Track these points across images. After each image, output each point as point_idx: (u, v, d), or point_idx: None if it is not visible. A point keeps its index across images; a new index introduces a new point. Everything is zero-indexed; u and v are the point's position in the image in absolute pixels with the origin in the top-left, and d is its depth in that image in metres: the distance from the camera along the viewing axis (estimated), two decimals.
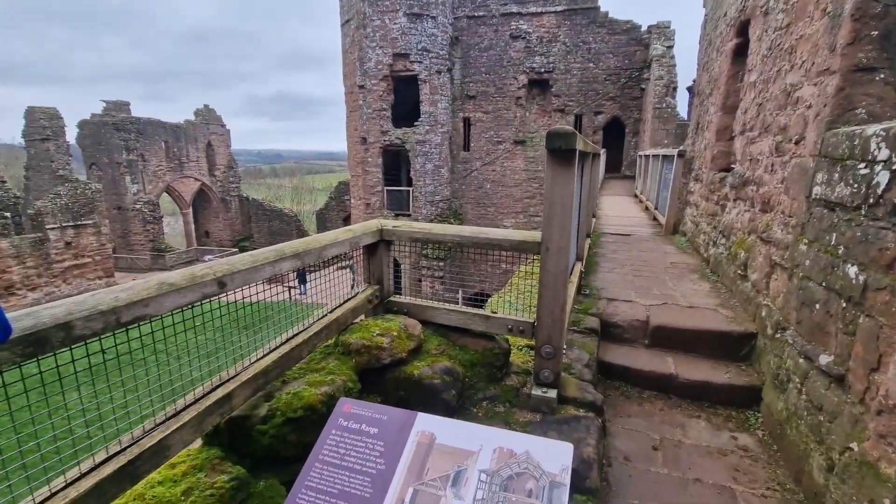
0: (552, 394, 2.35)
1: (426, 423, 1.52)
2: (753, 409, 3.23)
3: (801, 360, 2.64)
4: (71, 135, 26.29)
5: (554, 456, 1.35)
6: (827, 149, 2.65)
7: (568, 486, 1.27)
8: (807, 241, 2.76)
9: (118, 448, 1.38)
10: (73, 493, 1.24)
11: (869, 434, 1.91)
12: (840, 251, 2.35)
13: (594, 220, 8.42)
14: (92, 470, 1.30)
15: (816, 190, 2.71)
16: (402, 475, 1.38)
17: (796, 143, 3.36)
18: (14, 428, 1.18)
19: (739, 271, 4.33)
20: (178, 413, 1.55)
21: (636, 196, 14.35)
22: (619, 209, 11.83)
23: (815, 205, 2.72)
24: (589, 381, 2.80)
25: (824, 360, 2.39)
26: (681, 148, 8.22)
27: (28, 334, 1.08)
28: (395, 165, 21.44)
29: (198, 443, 1.82)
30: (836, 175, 2.47)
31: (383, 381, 2.31)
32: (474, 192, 21.12)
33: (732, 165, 5.27)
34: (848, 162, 2.36)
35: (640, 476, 2.61)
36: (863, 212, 2.18)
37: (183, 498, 1.54)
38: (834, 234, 2.44)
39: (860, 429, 2.00)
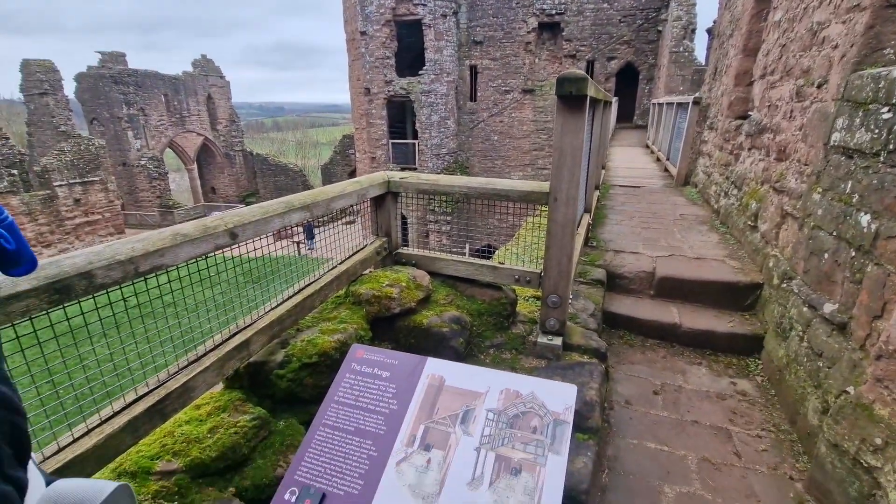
0: (557, 341, 2.42)
1: (436, 366, 1.59)
2: (754, 356, 3.31)
3: (805, 309, 2.67)
4: (69, 88, 25.79)
5: (558, 396, 1.42)
6: (850, 92, 2.54)
7: (571, 424, 1.34)
8: (821, 190, 2.71)
9: (146, 389, 1.46)
10: (108, 429, 1.33)
11: (866, 378, 1.96)
12: (854, 199, 2.32)
13: (604, 171, 8.28)
14: (124, 409, 1.39)
15: (835, 136, 2.63)
16: (413, 414, 1.46)
17: (819, 86, 3.22)
18: (49, 370, 1.25)
19: (749, 222, 4.29)
20: (200, 358, 1.63)
21: (648, 147, 13.99)
22: (629, 160, 11.58)
23: (832, 152, 2.65)
24: (594, 329, 2.86)
25: (828, 308, 2.42)
26: (696, 95, 7.91)
27: (53, 282, 1.12)
28: (401, 118, 20.93)
29: (220, 386, 1.92)
30: (858, 120, 2.39)
31: (394, 329, 2.39)
32: (481, 145, 20.67)
33: (750, 112, 5.08)
34: (871, 106, 2.27)
35: (640, 418, 2.73)
36: (881, 158, 2.12)
37: (209, 435, 1.64)
38: (850, 182, 2.39)
39: (858, 373, 2.06)
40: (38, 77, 23.54)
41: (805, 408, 2.45)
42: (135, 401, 1.42)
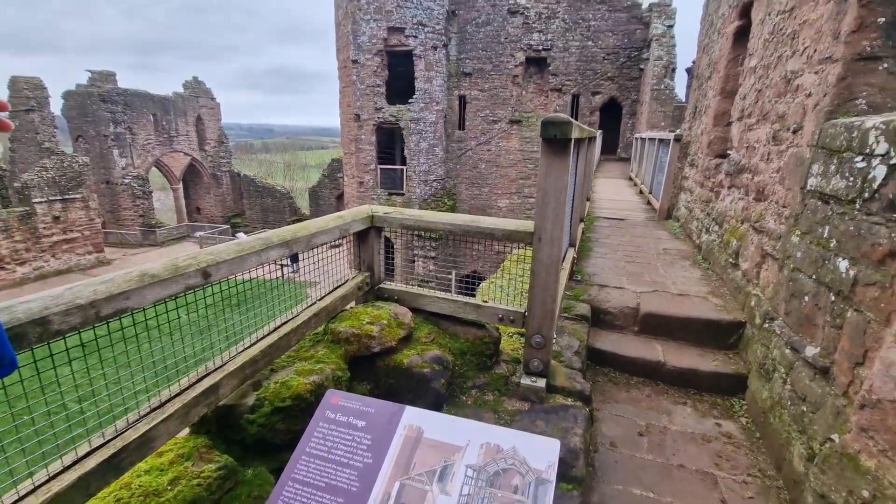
0: (541, 383, 2.37)
1: (414, 416, 1.52)
2: (738, 396, 3.29)
3: (787, 351, 2.68)
4: (56, 106, 25.58)
5: (541, 452, 1.36)
6: (824, 140, 2.62)
7: (553, 483, 1.28)
8: (799, 233, 2.76)
9: (101, 441, 1.36)
10: (56, 486, 1.22)
11: (851, 427, 1.94)
12: (832, 244, 2.35)
13: (588, 203, 8.40)
14: (75, 463, 1.29)
15: (812, 181, 2.69)
16: (388, 469, 1.38)
17: (794, 132, 3.32)
18: None
19: (731, 259, 4.34)
20: (163, 405, 1.54)
21: (631, 179, 14.31)
22: (613, 192, 11.80)
23: (809, 196, 2.71)
24: (578, 369, 2.82)
25: (810, 351, 2.42)
26: (677, 132, 8.15)
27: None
28: (390, 144, 21.14)
29: (185, 430, 1.81)
30: (833, 167, 2.45)
31: (373, 368, 2.31)
32: (469, 172, 20.93)
33: (729, 152, 5.23)
34: (845, 154, 2.34)
35: (626, 461, 2.66)
36: (857, 206, 2.16)
37: (170, 487, 1.54)
38: (827, 227, 2.43)
39: (842, 421, 2.04)
40: (26, 94, 23.34)
41: (791, 453, 2.42)
42: (88, 454, 1.32)
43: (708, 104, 6.43)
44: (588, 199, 8.21)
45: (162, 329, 1.57)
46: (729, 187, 4.89)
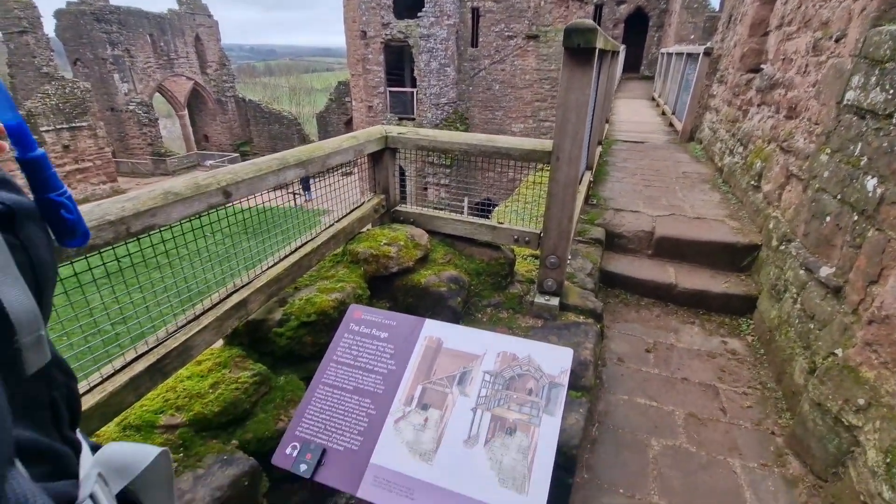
0: (554, 301, 2.44)
1: (433, 328, 1.60)
2: (747, 316, 3.37)
3: (801, 272, 2.69)
4: (50, 27, 24.41)
5: (554, 359, 1.44)
6: (868, 49, 2.42)
7: (566, 387, 1.37)
8: (829, 151, 2.65)
9: (146, 348, 1.47)
10: (109, 386, 1.35)
11: (856, 342, 2.00)
12: (862, 162, 2.26)
13: (607, 125, 8.06)
14: (124, 367, 1.41)
15: (849, 95, 2.53)
16: (411, 375, 1.49)
17: (836, 40, 3.06)
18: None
19: (753, 182, 4.22)
20: (198, 317, 1.63)
21: (654, 99, 13.56)
22: (634, 113, 11.25)
23: (844, 111, 2.56)
24: (591, 289, 2.88)
25: (825, 272, 2.42)
26: (707, 45, 7.55)
27: None
28: (399, 64, 20.05)
29: (220, 343, 1.94)
30: (874, 79, 2.28)
31: (391, 288, 2.39)
32: (482, 94, 19.97)
33: (762, 66, 4.87)
34: (888, 65, 2.17)
35: (632, 375, 2.81)
36: (894, 120, 2.05)
37: (211, 391, 1.68)
38: (859, 144, 2.32)
39: (847, 337, 2.10)
40: (16, 14, 22.20)
41: (792, 368, 2.52)
42: (135, 359, 1.43)
43: (745, 11, 5.88)
44: (607, 121, 7.87)
45: (192, 254, 1.63)
46: (759, 105, 4.62)
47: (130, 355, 1.44)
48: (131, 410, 1.52)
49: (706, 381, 2.77)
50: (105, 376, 1.37)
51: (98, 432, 1.38)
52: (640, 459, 2.22)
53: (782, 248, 3.09)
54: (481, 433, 1.32)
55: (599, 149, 5.78)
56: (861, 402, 1.87)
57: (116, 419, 1.47)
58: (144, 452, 0.61)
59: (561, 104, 2.04)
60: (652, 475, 2.14)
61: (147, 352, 1.46)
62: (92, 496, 0.49)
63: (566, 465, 1.84)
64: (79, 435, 0.56)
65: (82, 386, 1.34)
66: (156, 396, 1.62)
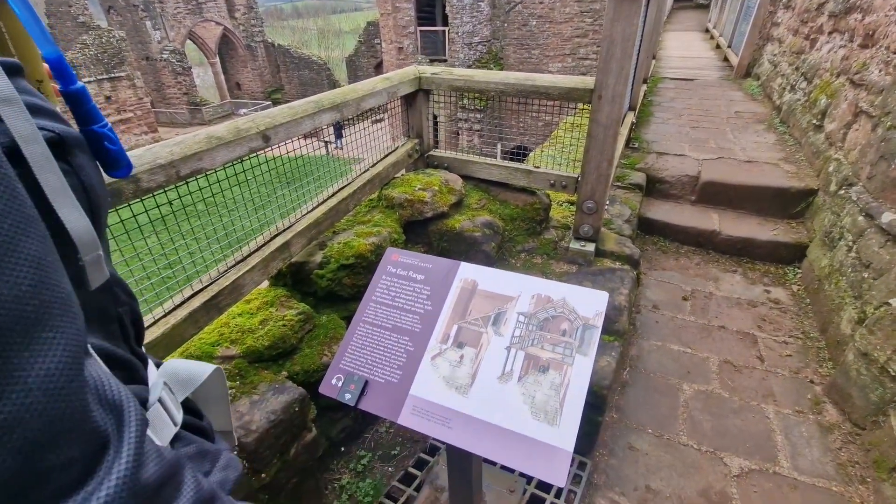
0: (590, 247, 2.41)
1: (469, 271, 1.62)
2: (794, 265, 3.23)
3: (860, 218, 2.52)
4: None
5: (589, 303, 1.44)
6: None
7: (599, 329, 1.38)
8: None
9: (200, 286, 1.58)
10: (172, 320, 1.47)
11: None
12: None
13: (654, 61, 7.49)
14: (183, 303, 1.52)
15: None
16: (447, 315, 1.53)
17: None
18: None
19: (815, 121, 3.89)
20: (246, 258, 1.72)
21: (708, 31, 12.40)
22: (685, 48, 10.37)
23: None
24: (628, 236, 2.82)
25: (887, 217, 2.26)
26: None
27: None
28: (430, 1, 18.99)
29: (265, 284, 2.06)
30: None
31: (426, 232, 2.42)
32: (517, 31, 18.77)
33: None
34: None
35: (667, 322, 2.80)
36: None
37: (260, 327, 1.80)
38: None
39: None
40: None
41: (840, 318, 2.43)
42: (192, 296, 1.54)
43: None
44: (654, 57, 7.31)
45: (231, 203, 1.69)
46: (830, 33, 4.15)
47: (188, 292, 1.55)
48: (191, 343, 1.66)
49: (745, 330, 2.72)
50: (167, 311, 1.49)
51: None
52: (670, 402, 2.25)
53: (841, 192, 2.89)
54: (515, 370, 1.37)
55: (644, 87, 5.43)
56: None
57: (178, 350, 1.61)
58: (201, 368, 0.68)
59: (606, 37, 1.91)
60: (682, 417, 2.17)
61: (202, 289, 1.57)
62: (160, 401, 0.54)
63: (596, 404, 1.90)
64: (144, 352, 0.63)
65: (147, 319, 1.46)
66: (212, 331, 1.75)
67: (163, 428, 0.52)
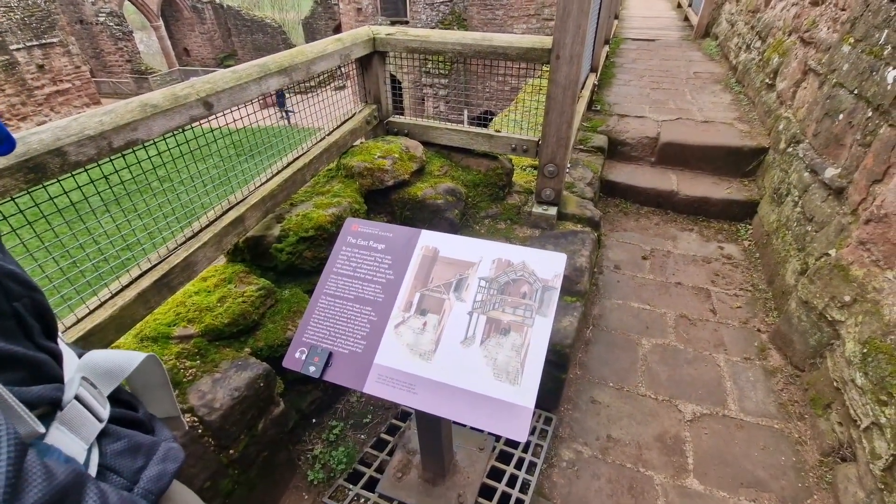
0: (552, 211, 2.43)
1: (430, 238, 1.61)
2: (746, 222, 3.37)
3: (805, 174, 2.64)
4: None
5: (548, 264, 1.46)
6: None
7: (558, 290, 1.41)
8: (852, 41, 2.46)
9: (149, 265, 1.51)
10: (120, 301, 1.40)
11: (850, 241, 2.02)
12: (885, 52, 2.11)
13: (616, 22, 7.44)
14: (131, 283, 1.45)
15: None
16: (409, 283, 1.53)
17: None
18: (46, 249, 1.26)
19: (767, 80, 3.99)
20: (197, 234, 1.65)
21: None
22: (647, 7, 10.33)
23: None
24: (590, 198, 2.86)
25: (830, 172, 2.38)
26: None
27: (24, 160, 1.07)
28: None
29: (222, 260, 1.99)
30: None
31: (388, 201, 2.38)
32: None
33: None
34: None
35: (627, 281, 2.90)
36: None
37: (219, 304, 1.75)
38: (885, 31, 2.15)
39: (843, 237, 2.11)
40: None
41: (785, 269, 2.58)
42: (140, 275, 1.48)
43: None
44: (616, 17, 7.25)
45: (186, 180, 1.60)
46: None
47: (136, 272, 1.48)
48: (145, 324, 1.60)
49: (699, 285, 2.85)
50: (114, 292, 1.42)
51: (116, 343, 1.46)
52: (630, 357, 2.36)
53: (790, 150, 3.00)
54: (477, 334, 1.39)
55: (606, 48, 5.40)
56: (847, 298, 1.94)
57: (132, 331, 1.55)
58: (129, 358, 0.65)
59: None
60: (640, 370, 2.29)
61: (151, 268, 1.50)
62: (77, 397, 0.51)
63: (560, 362, 1.97)
64: (62, 345, 0.58)
65: (93, 302, 1.39)
66: (167, 311, 1.69)
67: (83, 426, 0.50)
